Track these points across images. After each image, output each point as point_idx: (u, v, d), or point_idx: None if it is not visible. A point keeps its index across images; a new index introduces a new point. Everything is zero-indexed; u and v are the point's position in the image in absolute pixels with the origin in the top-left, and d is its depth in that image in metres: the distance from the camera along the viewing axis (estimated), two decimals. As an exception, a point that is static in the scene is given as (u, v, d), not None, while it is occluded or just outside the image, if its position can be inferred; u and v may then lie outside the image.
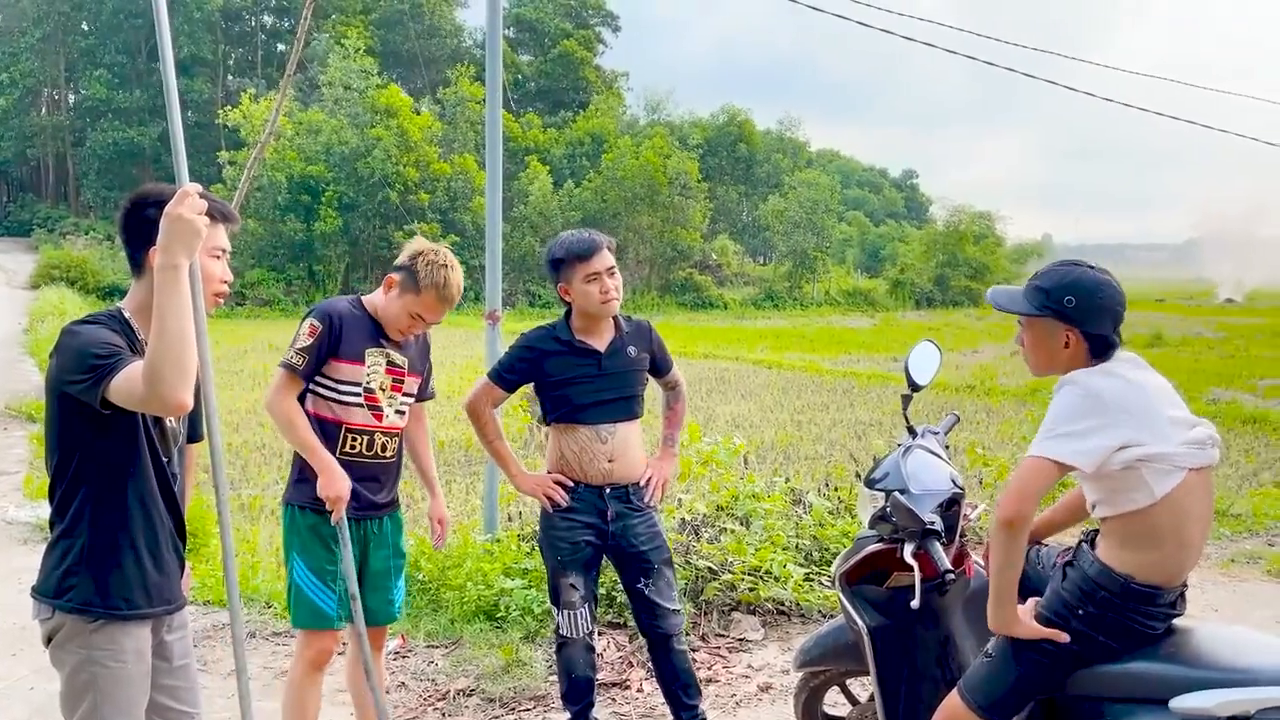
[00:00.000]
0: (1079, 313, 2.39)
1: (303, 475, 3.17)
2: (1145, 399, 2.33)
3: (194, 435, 2.62)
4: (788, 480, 6.69)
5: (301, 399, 3.15)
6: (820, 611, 4.99)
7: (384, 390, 3.21)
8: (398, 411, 3.27)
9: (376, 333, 3.20)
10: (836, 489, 6.32)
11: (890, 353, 24.92)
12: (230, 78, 50.81)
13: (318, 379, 3.14)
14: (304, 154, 35.83)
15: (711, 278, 44.19)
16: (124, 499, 2.31)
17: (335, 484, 3.06)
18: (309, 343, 3.09)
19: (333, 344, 3.11)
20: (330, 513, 3.08)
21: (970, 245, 48.93)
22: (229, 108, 36.18)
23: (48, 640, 2.33)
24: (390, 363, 3.22)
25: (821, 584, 5.06)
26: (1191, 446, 2.31)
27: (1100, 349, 2.41)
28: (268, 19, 54.22)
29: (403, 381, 3.27)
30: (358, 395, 3.16)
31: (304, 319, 3.15)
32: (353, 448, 3.17)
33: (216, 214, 2.29)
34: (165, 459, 2.39)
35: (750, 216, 56.91)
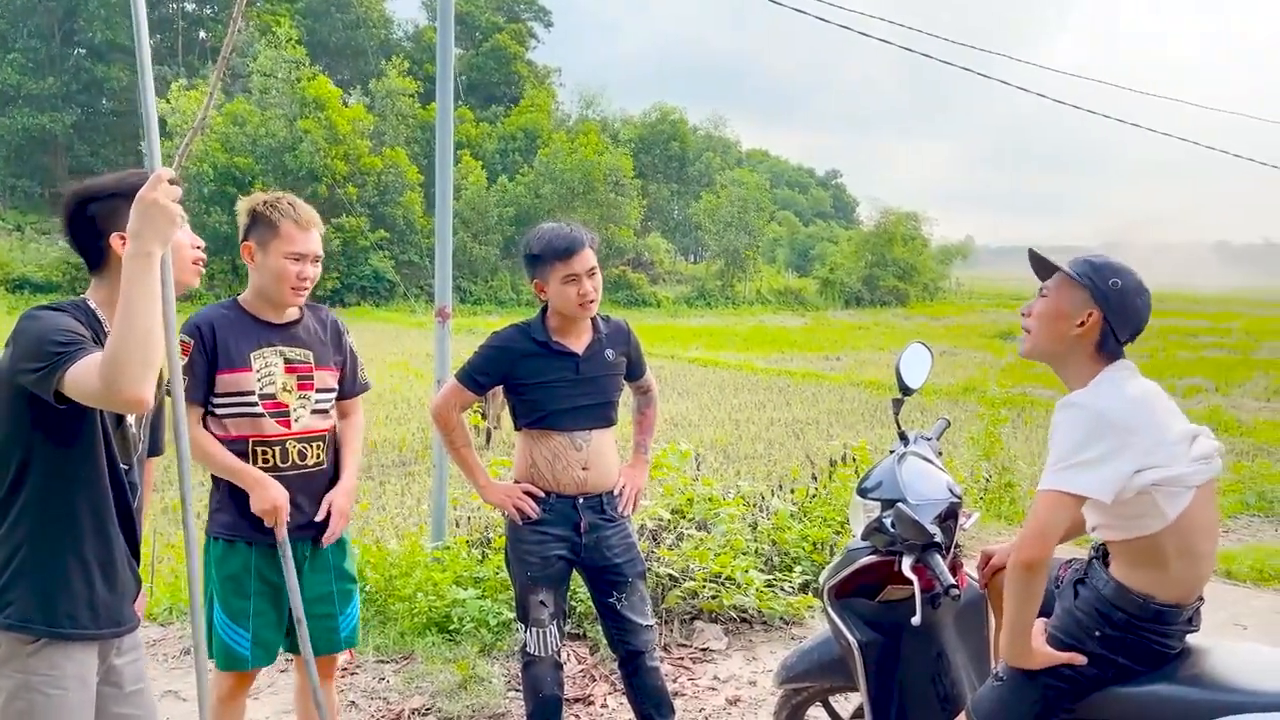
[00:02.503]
0: (1117, 298, 2.27)
1: (219, 505, 2.89)
2: (1150, 414, 2.22)
3: (155, 448, 2.42)
4: (739, 481, 6.59)
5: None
6: (783, 619, 4.88)
7: (289, 391, 2.89)
8: (315, 411, 2.95)
9: (260, 332, 2.88)
10: (793, 491, 6.22)
11: (822, 351, 25.18)
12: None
13: (210, 398, 2.83)
14: (228, 144, 34.79)
15: (645, 275, 44.12)
16: (74, 506, 2.11)
17: (267, 496, 2.80)
18: (183, 362, 2.73)
19: (210, 356, 2.79)
20: (248, 539, 2.86)
21: (899, 246, 49.68)
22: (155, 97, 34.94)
23: None
24: (289, 360, 2.90)
25: (783, 590, 4.95)
26: (1200, 463, 2.22)
27: (1108, 347, 2.31)
28: (189, 5, 52.62)
29: (311, 377, 2.93)
30: (254, 404, 2.84)
31: None
32: (266, 462, 2.86)
33: None
34: (124, 466, 2.20)
35: (682, 215, 57.05)
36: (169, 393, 2.75)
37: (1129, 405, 2.21)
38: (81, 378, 1.91)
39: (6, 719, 2.08)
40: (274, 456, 2.87)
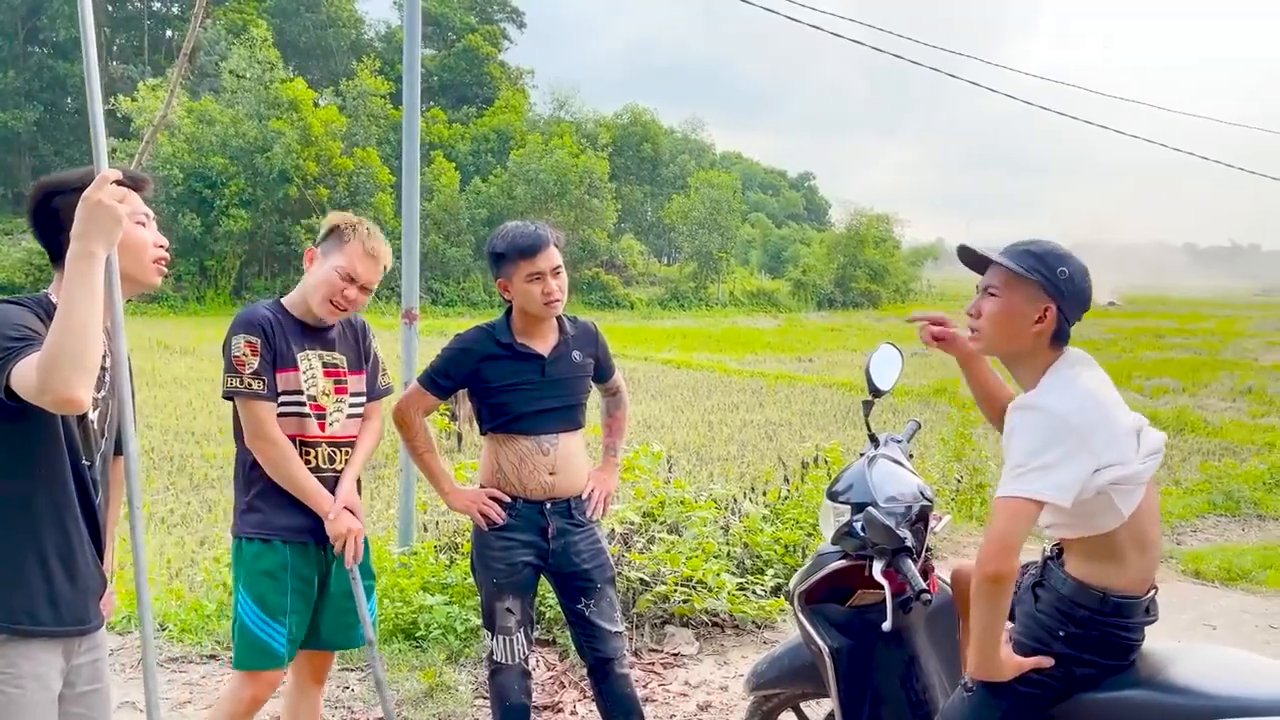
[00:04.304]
0: (1069, 286, 2.21)
1: (251, 506, 2.88)
2: (1104, 411, 2.18)
3: (122, 447, 2.37)
4: (713, 484, 6.55)
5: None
6: (754, 623, 4.85)
7: (327, 395, 2.92)
8: (348, 417, 2.98)
9: (303, 333, 2.92)
10: (765, 493, 6.18)
11: (795, 353, 25.23)
12: (114, 63, 48.45)
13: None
14: (197, 145, 34.37)
15: (618, 277, 44.06)
16: (32, 502, 2.08)
17: (343, 523, 2.86)
18: (257, 362, 2.78)
19: (273, 355, 2.83)
20: (285, 542, 2.86)
21: (870, 248, 49.95)
22: (120, 96, 34.43)
23: None
24: (325, 364, 2.93)
25: (755, 594, 4.91)
26: (1149, 458, 2.21)
27: (1062, 337, 2.26)
28: (156, 3, 51.99)
29: (345, 382, 2.98)
30: (303, 405, 2.87)
31: (232, 337, 2.81)
32: (307, 462, 2.88)
33: (126, 181, 2.14)
34: (86, 463, 2.17)
35: (655, 217, 57.00)
36: (229, 397, 2.83)
37: (1085, 405, 2.17)
38: (23, 375, 1.90)
39: None
40: (314, 458, 2.90)
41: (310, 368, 2.90)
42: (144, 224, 2.26)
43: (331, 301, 2.87)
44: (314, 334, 2.94)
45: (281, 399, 2.85)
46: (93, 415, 2.20)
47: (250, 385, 2.79)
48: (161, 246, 2.31)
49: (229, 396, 2.84)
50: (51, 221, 2.16)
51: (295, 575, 2.89)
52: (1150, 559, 2.25)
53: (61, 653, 2.13)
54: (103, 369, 2.22)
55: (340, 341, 3.00)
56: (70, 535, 2.14)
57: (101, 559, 2.27)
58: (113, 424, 2.30)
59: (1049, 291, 2.21)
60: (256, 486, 2.88)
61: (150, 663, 2.32)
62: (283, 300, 2.97)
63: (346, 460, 2.98)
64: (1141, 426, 2.26)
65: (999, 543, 2.10)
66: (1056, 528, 2.26)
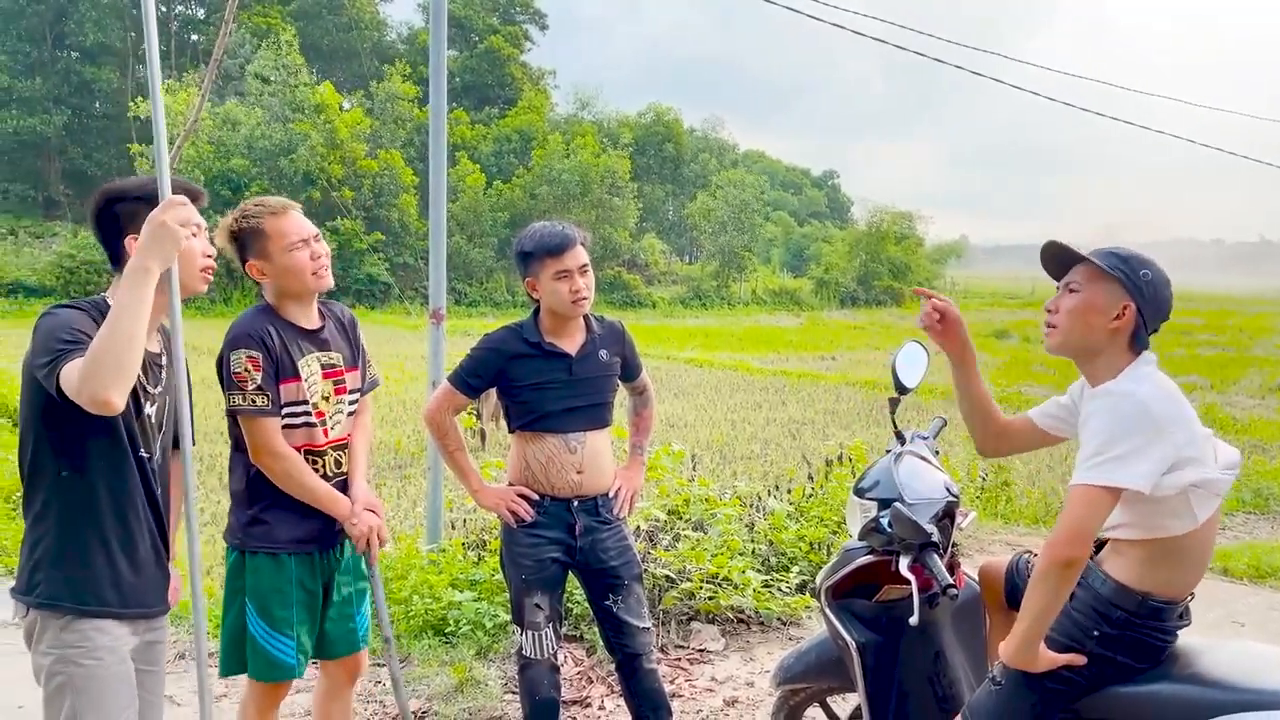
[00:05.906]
0: (1150, 289, 2.24)
1: (257, 518, 2.82)
2: (1182, 407, 2.20)
3: (179, 441, 2.45)
4: (736, 482, 6.58)
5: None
6: (780, 619, 4.87)
7: (326, 399, 2.88)
8: (347, 416, 2.95)
9: (300, 337, 2.84)
10: (789, 491, 6.21)
11: (818, 351, 25.17)
12: (140, 67, 48.92)
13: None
14: (222, 148, 34.66)
15: (640, 276, 44.07)
16: (94, 492, 2.22)
17: (365, 522, 2.84)
18: (259, 377, 2.71)
19: (276, 368, 2.75)
20: (289, 553, 2.84)
21: (892, 245, 49.69)
22: (141, 99, 34.78)
23: (29, 642, 2.24)
24: (324, 365, 2.88)
25: (780, 591, 4.94)
26: (1227, 471, 2.22)
27: (1140, 340, 2.28)
28: (180, 7, 52.46)
29: (343, 381, 2.92)
30: (309, 414, 2.82)
31: (230, 353, 2.73)
32: (316, 472, 2.85)
33: (181, 192, 2.28)
34: (146, 454, 2.29)
35: (677, 216, 56.95)
36: (232, 414, 2.77)
37: (1165, 396, 2.19)
38: (68, 376, 2.02)
39: (49, 695, 2.18)
40: (322, 466, 2.87)
41: (311, 374, 2.83)
42: (195, 235, 2.35)
43: (314, 273, 2.81)
44: (309, 335, 2.88)
45: (286, 411, 2.78)
46: (150, 410, 2.30)
47: (255, 401, 2.72)
48: (209, 256, 2.43)
49: (232, 414, 2.76)
50: (113, 225, 2.28)
51: (300, 587, 2.86)
52: (1200, 569, 2.27)
53: (131, 631, 2.25)
54: (159, 366, 2.34)
55: (334, 340, 2.94)
56: (131, 522, 2.25)
57: (167, 548, 2.37)
58: (170, 418, 2.40)
59: (1129, 290, 2.24)
60: (263, 500, 2.82)
61: (202, 654, 2.39)
62: (271, 304, 2.87)
63: (346, 461, 2.94)
64: (1217, 444, 2.28)
65: (1074, 532, 2.10)
66: (1124, 528, 2.25)
